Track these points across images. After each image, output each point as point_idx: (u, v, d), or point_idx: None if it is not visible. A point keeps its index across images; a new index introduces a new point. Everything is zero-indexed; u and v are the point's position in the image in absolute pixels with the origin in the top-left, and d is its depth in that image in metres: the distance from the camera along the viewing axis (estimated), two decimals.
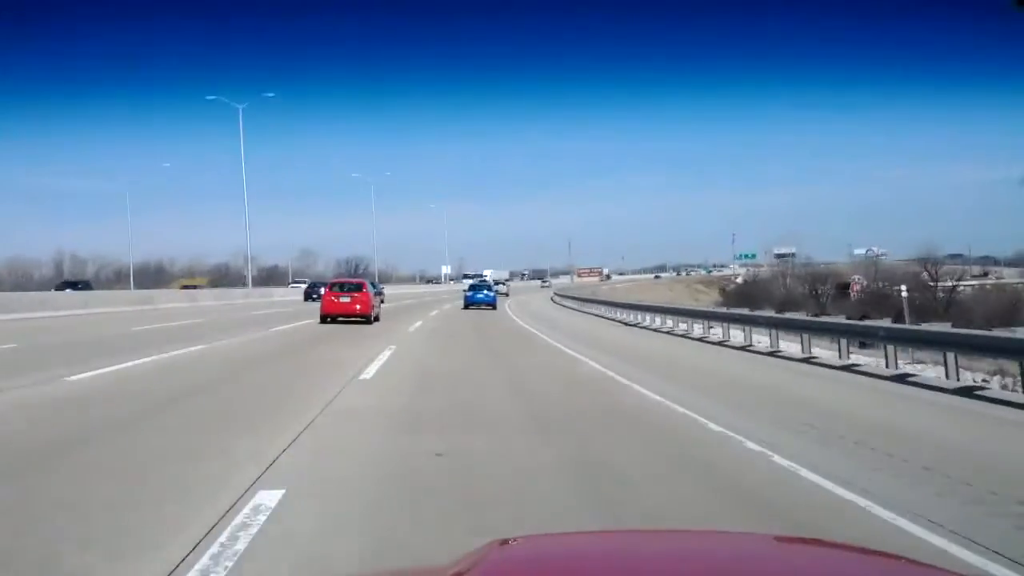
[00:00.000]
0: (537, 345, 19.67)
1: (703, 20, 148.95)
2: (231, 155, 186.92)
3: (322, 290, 32.13)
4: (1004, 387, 13.71)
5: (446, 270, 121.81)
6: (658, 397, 10.33)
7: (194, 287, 58.97)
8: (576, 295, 50.89)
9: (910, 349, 15.55)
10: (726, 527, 4.25)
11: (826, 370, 14.51)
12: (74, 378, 11.15)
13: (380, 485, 5.60)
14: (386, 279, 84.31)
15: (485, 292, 40.57)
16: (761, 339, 19.15)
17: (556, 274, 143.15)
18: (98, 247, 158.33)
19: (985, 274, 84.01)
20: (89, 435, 7.32)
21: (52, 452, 6.57)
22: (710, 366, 15.50)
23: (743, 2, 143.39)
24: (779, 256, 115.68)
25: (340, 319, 25.19)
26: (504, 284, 65.07)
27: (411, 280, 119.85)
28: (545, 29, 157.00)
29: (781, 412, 9.36)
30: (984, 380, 14.39)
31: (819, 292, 65.71)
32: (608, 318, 33.58)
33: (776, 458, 6.62)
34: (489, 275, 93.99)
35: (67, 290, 40.26)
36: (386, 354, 16.04)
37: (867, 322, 18.71)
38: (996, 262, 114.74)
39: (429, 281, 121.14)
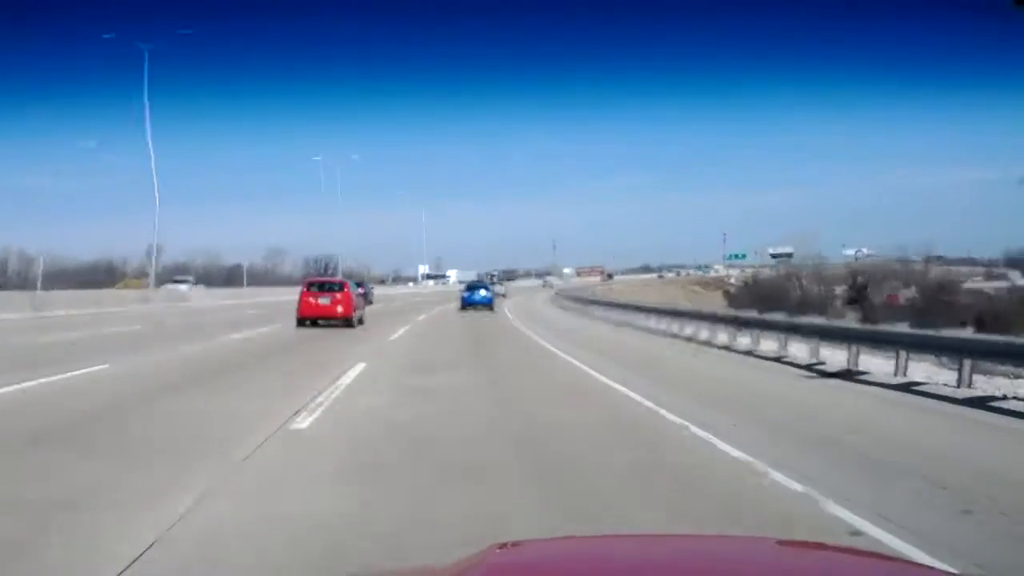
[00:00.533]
0: (570, 377, 13.89)
1: (695, 21, 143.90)
2: (203, 150, 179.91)
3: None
4: None
5: (424, 269, 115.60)
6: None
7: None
8: (596, 298, 44.31)
9: None
10: None
11: (955, 406, 10.17)
12: None
13: None
14: (356, 279, 77.48)
15: (482, 293, 39.78)
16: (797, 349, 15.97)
17: (541, 275, 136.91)
18: (57, 245, 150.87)
19: (1002, 276, 79.12)
20: None
21: None
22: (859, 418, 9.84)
23: (738, 3, 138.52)
24: (775, 256, 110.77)
25: (321, 322, 22.52)
26: (502, 285, 62.26)
27: (381, 281, 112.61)
28: (533, 27, 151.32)
29: None
30: None
31: (835, 295, 60.46)
32: (641, 327, 27.85)
33: None
34: (454, 276, 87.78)
35: None
36: (345, 382, 10.58)
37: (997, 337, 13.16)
38: (982, 263, 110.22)
39: (409, 281, 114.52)
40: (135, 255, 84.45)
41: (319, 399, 9.49)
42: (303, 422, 8.05)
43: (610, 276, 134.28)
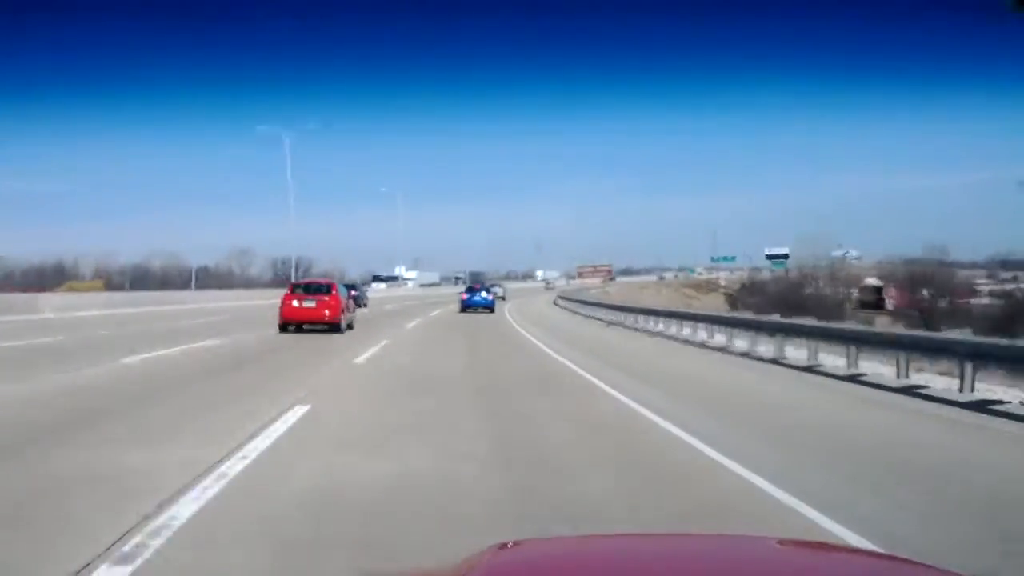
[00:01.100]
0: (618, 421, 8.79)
1: (688, 22, 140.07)
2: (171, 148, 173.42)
3: None
4: None
5: (400, 271, 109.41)
6: None
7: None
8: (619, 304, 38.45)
9: None
10: None
11: None
12: None
13: None
14: (348, 281, 70.48)
15: (482, 295, 39.57)
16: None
17: (524, 277, 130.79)
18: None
19: (1014, 278, 75.05)
20: None
21: None
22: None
23: (734, 4, 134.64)
24: (771, 257, 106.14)
25: (306, 327, 20.98)
26: (500, 287, 60.00)
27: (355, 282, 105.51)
28: (516, 26, 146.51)
29: None
30: None
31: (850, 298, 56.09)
32: (671, 336, 22.88)
33: None
34: (415, 277, 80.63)
35: None
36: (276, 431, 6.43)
37: None
38: (982, 266, 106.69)
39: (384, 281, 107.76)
40: (89, 257, 78.40)
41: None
42: None
43: (612, 278, 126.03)
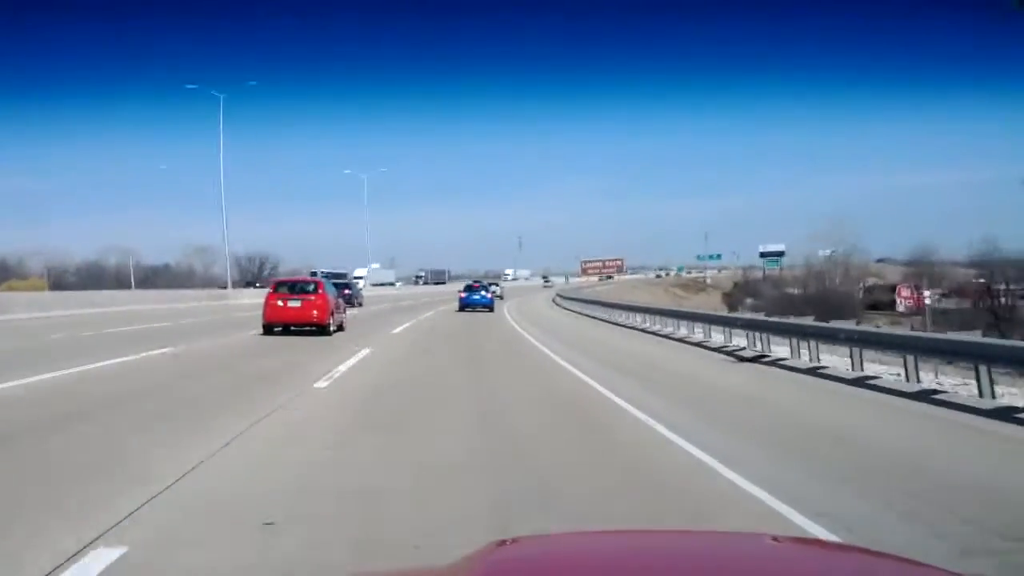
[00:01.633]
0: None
1: (678, 21, 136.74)
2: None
3: None
4: None
5: (364, 272, 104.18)
6: None
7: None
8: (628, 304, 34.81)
9: None
10: None
11: None
12: None
13: None
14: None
15: (481, 294, 39.31)
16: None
17: (498, 277, 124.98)
18: None
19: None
20: None
21: None
22: None
23: (729, 3, 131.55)
24: (765, 255, 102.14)
25: (293, 329, 19.97)
26: (498, 286, 59.83)
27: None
28: (506, 23, 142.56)
29: None
30: None
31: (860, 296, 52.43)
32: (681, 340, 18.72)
33: None
34: (365, 275, 75.47)
35: None
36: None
37: None
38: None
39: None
40: (39, 256, 72.66)
41: None
42: None
43: (609, 277, 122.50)
